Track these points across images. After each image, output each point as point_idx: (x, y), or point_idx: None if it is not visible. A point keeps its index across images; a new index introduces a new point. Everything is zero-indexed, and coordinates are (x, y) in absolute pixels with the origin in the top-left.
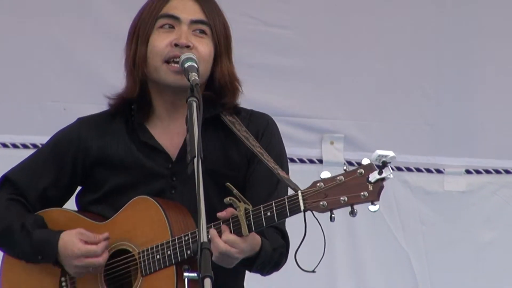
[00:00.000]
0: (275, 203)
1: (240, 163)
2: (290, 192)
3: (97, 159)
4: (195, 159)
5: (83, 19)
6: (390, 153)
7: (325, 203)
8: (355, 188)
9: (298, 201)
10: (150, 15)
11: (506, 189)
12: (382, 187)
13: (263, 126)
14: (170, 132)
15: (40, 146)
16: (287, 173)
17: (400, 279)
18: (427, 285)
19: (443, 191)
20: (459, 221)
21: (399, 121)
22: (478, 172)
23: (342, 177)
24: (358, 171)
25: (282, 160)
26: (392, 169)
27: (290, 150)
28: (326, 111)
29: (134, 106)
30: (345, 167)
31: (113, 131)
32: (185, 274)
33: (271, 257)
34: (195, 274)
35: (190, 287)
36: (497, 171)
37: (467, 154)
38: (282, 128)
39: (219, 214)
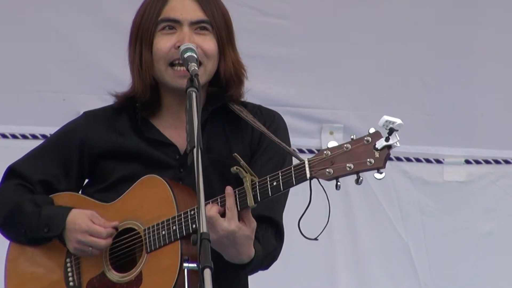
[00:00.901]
0: (281, 173)
1: (243, 154)
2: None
3: (104, 151)
4: (195, 149)
5: (83, 10)
6: (398, 120)
7: (331, 170)
8: (361, 155)
9: (305, 169)
10: (151, 18)
11: (506, 179)
12: (388, 155)
13: (271, 119)
14: (179, 126)
15: (39, 136)
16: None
17: (400, 269)
18: (427, 274)
19: (442, 181)
20: (459, 211)
21: (398, 111)
22: (477, 162)
23: (349, 145)
24: (365, 138)
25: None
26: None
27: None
28: (325, 101)
29: (138, 104)
30: (352, 136)
31: (119, 126)
32: (185, 264)
33: (261, 263)
34: (195, 265)
35: (190, 278)
36: (497, 161)
37: (467, 144)
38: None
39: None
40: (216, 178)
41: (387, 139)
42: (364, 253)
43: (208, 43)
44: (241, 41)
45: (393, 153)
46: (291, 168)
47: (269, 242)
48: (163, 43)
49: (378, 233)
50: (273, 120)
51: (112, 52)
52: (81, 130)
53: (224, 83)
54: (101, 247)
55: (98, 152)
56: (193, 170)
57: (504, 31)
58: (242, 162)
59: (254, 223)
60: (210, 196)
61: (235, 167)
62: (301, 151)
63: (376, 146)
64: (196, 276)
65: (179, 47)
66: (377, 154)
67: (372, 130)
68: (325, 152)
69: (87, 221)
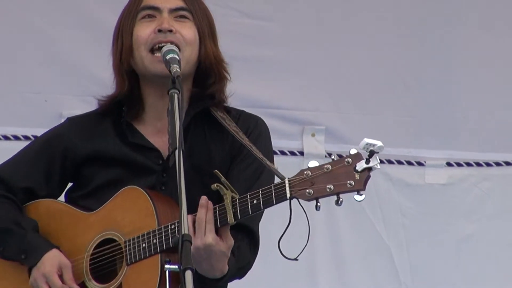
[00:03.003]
0: (261, 191)
1: (223, 160)
2: (277, 182)
3: (87, 157)
4: (176, 151)
5: (66, 11)
6: (378, 143)
7: (311, 191)
8: (341, 176)
9: (285, 189)
10: (131, 10)
11: (487, 182)
12: (368, 177)
13: (253, 125)
14: (161, 130)
15: (21, 138)
16: None
17: (381, 271)
18: (408, 277)
19: (424, 184)
20: (440, 213)
21: (380, 114)
22: (459, 164)
23: (329, 166)
24: (346, 160)
25: (268, 157)
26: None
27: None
28: (307, 103)
29: (124, 107)
30: (333, 157)
31: (102, 131)
32: (166, 266)
33: (234, 276)
34: (176, 266)
35: (172, 279)
36: (478, 164)
37: (448, 146)
38: (263, 120)
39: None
40: (196, 184)
41: (367, 161)
42: (346, 256)
43: (187, 29)
44: (223, 43)
45: None
46: (271, 187)
47: (244, 255)
48: (143, 30)
49: (360, 235)
50: (255, 126)
51: (94, 53)
52: (65, 136)
53: (204, 72)
54: None
55: (81, 158)
56: (176, 175)
57: (487, 34)
58: (223, 178)
59: (231, 241)
60: (189, 201)
61: (215, 185)
62: (282, 153)
63: (357, 168)
64: (178, 278)
65: (159, 30)
66: (357, 176)
67: (353, 151)
68: (305, 172)
69: (53, 268)
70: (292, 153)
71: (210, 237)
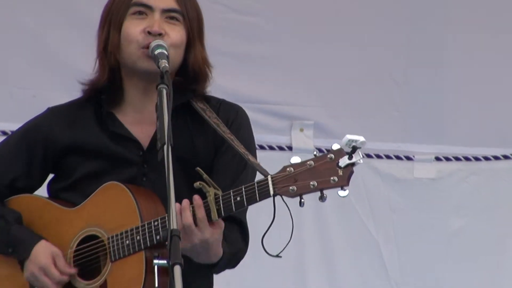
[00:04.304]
0: (244, 188)
1: (207, 151)
2: (260, 177)
3: (67, 147)
4: (165, 146)
5: (54, 6)
6: (360, 138)
7: (295, 188)
8: (325, 173)
9: (268, 186)
10: (123, 2)
11: (476, 176)
12: (352, 172)
13: (233, 115)
14: (142, 121)
15: (9, 133)
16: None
17: (370, 266)
18: (397, 272)
19: (412, 178)
20: (429, 208)
21: (368, 108)
22: (447, 159)
23: (312, 162)
24: (328, 156)
25: (251, 148)
26: (363, 155)
27: (260, 137)
28: (295, 98)
29: (104, 96)
30: (315, 153)
31: (83, 120)
32: (155, 261)
33: (229, 263)
34: (165, 262)
35: (160, 274)
36: (467, 158)
37: (437, 141)
38: (252, 115)
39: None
40: (179, 176)
41: (350, 157)
42: (334, 251)
43: (176, 33)
44: (212, 38)
45: (363, 150)
46: (254, 184)
47: (236, 241)
48: (133, 27)
49: (348, 230)
50: (236, 116)
51: (83, 49)
52: (45, 126)
53: (192, 76)
54: None
55: (62, 147)
56: (157, 166)
57: (475, 29)
58: (205, 176)
59: (222, 223)
60: (174, 193)
61: (198, 183)
62: (271, 147)
63: (340, 164)
64: (166, 273)
65: (148, 32)
66: (340, 172)
67: (335, 147)
68: (288, 169)
69: (48, 259)
70: (281, 148)
71: (206, 233)
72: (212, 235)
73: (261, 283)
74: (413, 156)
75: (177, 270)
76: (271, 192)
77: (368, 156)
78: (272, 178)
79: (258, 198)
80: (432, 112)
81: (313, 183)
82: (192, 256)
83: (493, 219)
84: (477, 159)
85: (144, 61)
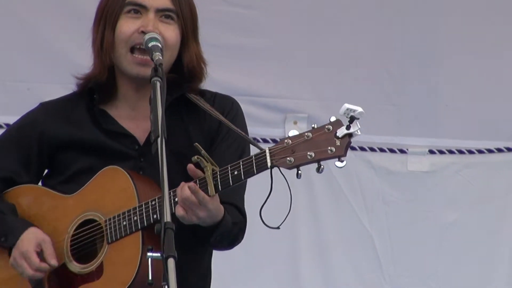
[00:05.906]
0: (242, 162)
1: (202, 141)
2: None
3: (62, 143)
4: (159, 139)
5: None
6: (359, 108)
7: (292, 159)
8: (322, 143)
9: (266, 158)
10: (117, 0)
11: (469, 169)
12: (349, 143)
13: (229, 106)
14: (136, 116)
15: (3, 125)
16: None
17: (363, 259)
18: (390, 265)
19: (406, 171)
20: (422, 201)
21: (362, 101)
22: (441, 152)
23: (309, 134)
24: (326, 127)
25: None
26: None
27: (254, 130)
28: (289, 91)
29: (96, 95)
30: (313, 125)
31: (76, 117)
32: (149, 254)
33: (230, 231)
34: (159, 254)
35: (154, 267)
36: (460, 151)
37: (431, 134)
38: (246, 108)
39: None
40: (176, 169)
41: (348, 127)
42: (328, 243)
43: (171, 32)
44: (206, 31)
45: (356, 143)
46: (252, 157)
47: (236, 215)
48: (127, 26)
49: (342, 223)
50: (231, 107)
51: (77, 42)
52: (40, 122)
53: (187, 74)
54: (27, 276)
55: (57, 143)
56: (154, 160)
57: (469, 22)
58: (203, 151)
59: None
60: (170, 185)
61: (196, 156)
62: (265, 140)
63: (337, 134)
64: (160, 266)
65: (142, 32)
66: (338, 142)
67: (333, 119)
68: (285, 141)
69: (31, 245)
70: (274, 141)
71: (208, 206)
72: (212, 204)
73: (254, 275)
74: (407, 149)
75: (171, 263)
76: (269, 164)
77: (362, 149)
78: (269, 150)
79: (255, 171)
80: (425, 105)
81: (311, 154)
82: (205, 223)
83: (486, 212)
84: (470, 152)
85: (134, 68)
